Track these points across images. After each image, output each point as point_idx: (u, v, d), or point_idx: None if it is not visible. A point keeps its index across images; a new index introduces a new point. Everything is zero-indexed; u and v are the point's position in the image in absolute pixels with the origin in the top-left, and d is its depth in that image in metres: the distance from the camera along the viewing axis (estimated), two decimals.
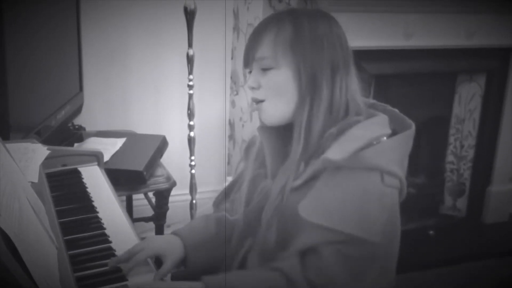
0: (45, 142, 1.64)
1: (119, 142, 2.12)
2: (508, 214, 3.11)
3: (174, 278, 1.22)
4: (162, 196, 2.09)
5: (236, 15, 2.68)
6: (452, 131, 2.99)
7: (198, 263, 1.22)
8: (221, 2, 2.61)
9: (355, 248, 1.01)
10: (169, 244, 1.22)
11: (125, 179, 1.89)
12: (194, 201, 2.42)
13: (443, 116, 2.97)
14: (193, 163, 2.37)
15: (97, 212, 1.35)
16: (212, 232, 1.27)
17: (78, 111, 2.30)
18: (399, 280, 1.16)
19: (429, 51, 2.63)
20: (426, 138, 2.94)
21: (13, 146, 1.42)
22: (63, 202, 1.38)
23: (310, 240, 1.02)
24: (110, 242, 1.21)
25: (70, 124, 2.31)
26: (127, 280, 1.08)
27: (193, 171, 2.38)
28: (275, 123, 1.17)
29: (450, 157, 3.03)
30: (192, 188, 2.40)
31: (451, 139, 3.01)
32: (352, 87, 1.15)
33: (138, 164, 1.95)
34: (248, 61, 1.18)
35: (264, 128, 1.22)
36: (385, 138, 1.09)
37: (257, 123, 1.24)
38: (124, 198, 2.41)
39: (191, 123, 2.32)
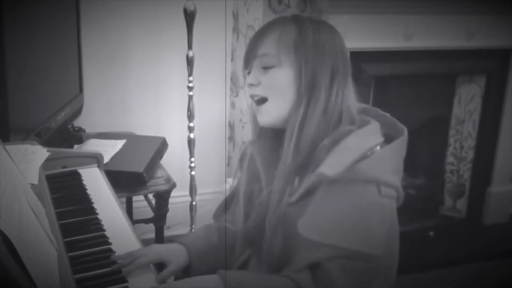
0: (45, 143, 1.64)
1: (119, 144, 2.12)
2: (508, 215, 3.11)
3: None
4: (162, 198, 2.09)
5: (236, 17, 2.68)
6: (452, 132, 2.99)
7: (202, 271, 1.21)
8: (220, 3, 2.61)
9: (359, 262, 1.01)
10: (174, 251, 1.23)
11: (125, 181, 1.89)
12: (194, 203, 2.42)
13: (443, 117, 2.97)
14: (193, 164, 2.37)
15: (97, 214, 1.35)
16: (214, 241, 1.28)
17: (78, 112, 2.30)
18: (399, 281, 1.16)
19: (429, 52, 2.63)
20: (426, 139, 2.95)
21: (13, 147, 1.42)
22: (63, 204, 1.38)
23: (313, 257, 1.01)
24: (110, 243, 1.21)
25: (70, 126, 2.31)
26: (127, 281, 1.08)
27: (193, 172, 2.38)
28: (271, 124, 1.18)
29: (450, 158, 3.03)
30: (192, 190, 2.40)
31: (451, 140, 3.01)
32: (349, 98, 1.15)
33: (138, 165, 1.95)
34: (249, 59, 1.19)
35: (256, 142, 1.23)
36: (378, 147, 1.08)
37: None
38: (124, 199, 2.41)
39: (191, 124, 2.32)
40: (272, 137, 1.22)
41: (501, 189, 3.05)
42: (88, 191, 1.48)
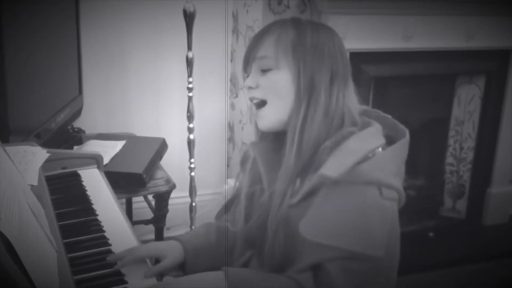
0: (44, 145, 1.64)
1: (119, 145, 2.12)
2: (508, 216, 3.11)
3: None
4: (162, 199, 2.09)
5: (235, 18, 2.68)
6: (451, 133, 2.99)
7: (197, 268, 1.21)
8: (220, 5, 2.61)
9: (360, 264, 1.01)
10: (169, 246, 1.23)
11: (124, 182, 1.89)
12: (193, 204, 2.42)
13: (442, 118, 2.97)
14: (192, 165, 2.37)
15: (97, 215, 1.35)
16: (213, 240, 1.28)
17: (77, 113, 2.31)
18: (399, 282, 1.16)
19: (428, 53, 2.63)
20: (425, 140, 2.95)
21: (12, 149, 1.42)
22: (63, 205, 1.38)
23: (314, 258, 1.02)
24: (110, 245, 1.21)
25: (69, 127, 2.31)
26: (126, 282, 1.08)
27: (192, 173, 2.38)
28: (271, 128, 1.17)
29: (449, 159, 3.03)
30: (192, 191, 2.40)
31: (451, 141, 3.01)
32: (350, 100, 1.15)
33: (137, 166, 1.95)
34: (248, 61, 1.19)
35: (257, 144, 1.23)
36: (380, 149, 1.08)
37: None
38: (123, 200, 2.41)
39: (191, 125, 2.32)
40: (273, 138, 1.22)
41: (500, 190, 3.05)
42: (88, 192, 1.48)
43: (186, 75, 2.26)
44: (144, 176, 1.92)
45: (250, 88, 1.17)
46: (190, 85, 2.26)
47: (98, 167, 1.65)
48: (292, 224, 1.05)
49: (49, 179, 1.46)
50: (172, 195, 2.11)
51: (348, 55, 1.19)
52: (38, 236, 0.97)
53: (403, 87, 2.77)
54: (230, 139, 2.88)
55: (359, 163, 1.03)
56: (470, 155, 3.00)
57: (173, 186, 2.06)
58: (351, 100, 1.15)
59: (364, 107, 1.23)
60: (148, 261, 1.18)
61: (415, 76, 2.74)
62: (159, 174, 2.08)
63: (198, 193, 2.43)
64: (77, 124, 2.38)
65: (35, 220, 1.01)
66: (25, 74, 1.72)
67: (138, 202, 2.48)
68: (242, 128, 2.70)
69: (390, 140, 1.12)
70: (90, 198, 1.45)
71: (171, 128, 2.66)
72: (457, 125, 2.98)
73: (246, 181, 1.25)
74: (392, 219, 1.07)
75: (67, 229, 1.25)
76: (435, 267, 2.62)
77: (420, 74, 2.73)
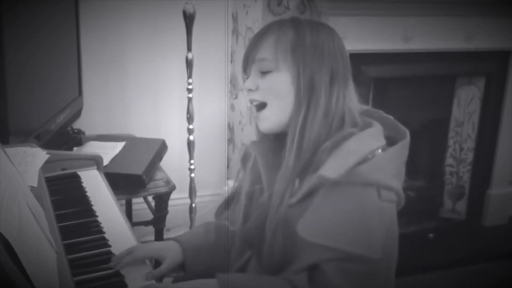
0: (44, 146, 1.64)
1: (119, 146, 2.12)
2: (507, 217, 3.11)
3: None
4: (162, 200, 2.09)
5: (235, 19, 2.68)
6: (451, 134, 3.00)
7: (197, 268, 1.22)
8: (219, 6, 2.61)
9: (357, 265, 1.01)
10: (168, 246, 1.24)
11: (124, 183, 1.89)
12: (193, 205, 2.42)
13: (442, 119, 2.97)
14: (192, 166, 2.37)
15: (97, 216, 1.35)
16: (212, 239, 1.28)
17: (77, 115, 2.31)
18: (398, 283, 1.16)
19: (428, 54, 2.63)
20: (425, 141, 2.95)
21: (12, 150, 1.42)
22: (63, 206, 1.38)
23: (312, 258, 1.02)
24: (110, 246, 1.21)
25: (69, 128, 2.31)
26: (126, 285, 1.08)
27: (192, 174, 2.38)
28: (272, 130, 1.17)
29: (449, 160, 3.03)
30: (192, 192, 2.40)
31: (450, 142, 3.01)
32: (351, 100, 1.15)
33: (137, 168, 1.95)
34: (247, 63, 1.18)
35: (257, 144, 1.23)
36: (380, 150, 1.08)
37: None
38: (123, 202, 2.41)
39: (191, 126, 2.32)
40: (273, 138, 1.22)
41: (500, 191, 3.05)
42: (88, 193, 1.48)
43: (186, 76, 2.26)
44: (144, 177, 1.92)
45: (250, 90, 1.16)
46: (190, 86, 2.26)
47: (98, 168, 1.64)
48: (291, 224, 1.05)
49: (49, 180, 1.45)
50: (172, 196, 2.11)
51: (348, 54, 1.19)
52: (38, 237, 0.97)
53: (402, 88, 2.77)
54: (230, 140, 2.88)
55: (358, 164, 1.03)
56: (470, 156, 3.00)
57: (173, 187, 2.06)
58: (351, 100, 1.15)
59: (366, 107, 1.22)
60: (148, 262, 1.18)
61: (414, 77, 2.74)
62: (159, 175, 2.07)
63: (198, 194, 2.43)
64: (77, 125, 2.38)
65: (35, 221, 1.01)
66: (25, 75, 1.72)
67: (138, 203, 2.48)
68: (242, 129, 2.70)
69: (390, 141, 1.11)
70: (90, 199, 1.45)
71: (171, 129, 2.66)
72: (456, 126, 2.98)
73: (247, 180, 1.25)
74: (391, 221, 1.07)
75: (67, 230, 1.25)
76: (435, 268, 2.62)
77: (420, 75, 2.73)
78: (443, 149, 3.02)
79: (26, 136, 1.71)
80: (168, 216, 2.16)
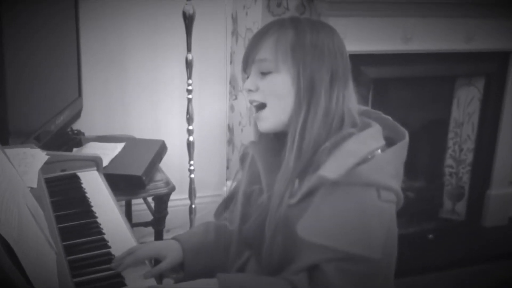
0: (44, 147, 1.64)
1: (118, 147, 2.12)
2: (507, 218, 3.11)
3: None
4: (161, 201, 2.09)
5: (234, 20, 2.68)
6: (451, 134, 3.00)
7: (196, 267, 1.22)
8: (219, 6, 2.61)
9: (357, 265, 1.01)
10: (168, 246, 1.24)
11: (124, 184, 1.89)
12: (193, 206, 2.42)
13: (441, 119, 2.98)
14: (192, 167, 2.37)
15: (96, 217, 1.35)
16: (212, 238, 1.28)
17: (77, 116, 2.31)
18: (398, 284, 1.16)
19: (427, 55, 2.63)
20: (425, 142, 2.95)
21: (12, 151, 1.42)
22: (62, 207, 1.38)
23: (311, 259, 1.02)
24: (109, 247, 1.21)
25: (69, 129, 2.31)
26: (126, 285, 1.08)
27: (192, 175, 2.38)
28: (271, 130, 1.17)
29: (449, 161, 3.03)
30: (191, 193, 2.40)
31: (450, 143, 3.01)
32: (350, 99, 1.14)
33: (137, 169, 1.95)
34: (247, 64, 1.18)
35: (256, 144, 1.22)
36: (379, 151, 1.08)
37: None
38: (123, 203, 2.41)
39: (190, 127, 2.32)
40: (273, 138, 1.22)
41: (500, 192, 3.05)
42: (87, 195, 1.48)
43: (185, 76, 2.26)
44: (144, 178, 1.92)
45: (249, 91, 1.16)
46: (190, 87, 2.26)
47: (98, 169, 1.64)
48: (290, 224, 1.05)
49: (48, 181, 1.45)
50: (172, 197, 2.11)
51: (347, 54, 1.18)
52: (38, 238, 0.97)
53: (402, 89, 2.77)
54: (230, 141, 2.88)
55: (358, 164, 1.03)
56: (469, 157, 3.00)
57: (173, 188, 2.06)
58: (351, 101, 1.15)
59: (365, 107, 1.22)
60: (147, 262, 1.18)
61: (414, 78, 2.74)
62: (158, 176, 2.08)
63: (197, 195, 2.43)
64: (77, 126, 2.38)
65: (35, 223, 1.01)
66: (24, 75, 1.72)
67: (138, 204, 2.48)
68: (242, 130, 2.70)
69: (389, 142, 1.11)
70: (90, 200, 1.45)
71: (170, 130, 2.66)
72: (456, 127, 2.98)
73: (245, 180, 1.25)
74: (390, 221, 1.07)
75: (66, 231, 1.25)
76: (434, 269, 2.62)
77: (420, 76, 2.73)
78: (443, 150, 3.02)
79: (26, 137, 1.71)
80: (168, 217, 2.16)
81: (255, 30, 2.42)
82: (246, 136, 2.63)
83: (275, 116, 1.15)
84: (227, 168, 2.91)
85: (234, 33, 2.70)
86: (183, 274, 1.23)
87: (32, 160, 1.44)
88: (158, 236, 2.17)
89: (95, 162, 1.65)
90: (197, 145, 2.38)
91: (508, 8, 2.63)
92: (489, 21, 2.66)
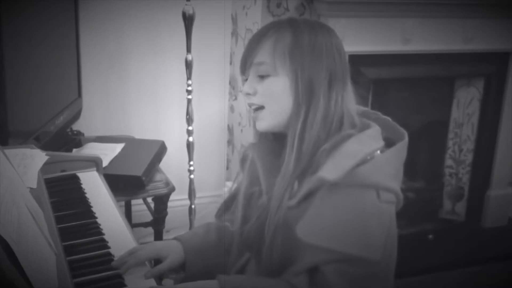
0: (43, 147, 1.64)
1: (118, 148, 2.12)
2: (507, 218, 3.11)
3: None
4: (161, 201, 2.09)
5: (234, 20, 2.68)
6: (450, 135, 3.00)
7: (197, 268, 1.22)
8: (219, 7, 2.61)
9: (356, 267, 1.01)
10: (169, 246, 1.24)
11: (124, 185, 1.89)
12: (193, 206, 2.42)
13: (441, 120, 2.98)
14: (192, 168, 2.37)
15: (96, 218, 1.35)
16: (213, 239, 1.28)
17: (76, 116, 2.30)
18: (398, 285, 1.16)
19: (427, 56, 2.64)
20: (424, 143, 2.95)
21: (11, 151, 1.42)
22: (62, 208, 1.38)
23: (311, 260, 1.02)
24: (109, 247, 1.21)
25: (68, 130, 2.31)
26: (126, 286, 1.08)
27: (192, 176, 2.38)
28: (269, 129, 1.17)
29: (448, 161, 3.03)
30: (191, 193, 2.40)
31: (450, 143, 3.01)
32: (349, 100, 1.14)
33: (137, 169, 1.95)
34: (245, 67, 1.18)
35: (255, 145, 1.22)
36: (378, 152, 1.08)
37: None
38: (123, 203, 2.41)
39: (190, 128, 2.32)
40: (272, 139, 1.22)
41: (500, 192, 3.05)
42: (87, 195, 1.48)
43: (185, 77, 2.26)
44: (143, 178, 1.92)
45: (248, 94, 1.16)
46: (189, 88, 2.27)
47: (97, 170, 1.64)
48: (290, 226, 1.05)
49: (48, 182, 1.45)
50: (171, 197, 2.11)
51: (346, 54, 1.18)
52: (37, 239, 0.97)
53: (402, 90, 2.77)
54: (229, 142, 2.88)
55: (357, 166, 1.03)
56: (469, 158, 3.00)
57: (172, 189, 2.06)
58: (350, 101, 1.15)
59: (364, 108, 1.22)
60: (147, 262, 1.18)
61: (414, 79, 2.74)
62: (158, 176, 2.08)
63: (197, 195, 2.44)
64: (76, 126, 2.38)
65: (34, 223, 1.01)
66: (24, 76, 1.72)
67: (138, 204, 2.48)
68: (242, 131, 2.70)
69: (389, 143, 1.11)
70: (89, 200, 1.45)
71: (170, 130, 2.66)
72: (456, 127, 2.98)
73: (245, 181, 1.25)
74: (390, 222, 1.07)
75: (66, 232, 1.25)
76: (434, 270, 2.62)
77: (419, 76, 2.73)
78: (443, 151, 3.02)
79: (26, 138, 1.71)
80: (168, 218, 2.16)
81: (255, 31, 2.42)
82: (246, 136, 2.63)
83: (273, 117, 1.14)
84: (227, 168, 2.91)
85: (234, 33, 2.70)
86: (184, 274, 1.24)
87: (31, 161, 1.44)
88: (158, 236, 2.17)
89: (94, 162, 1.65)
90: (197, 146, 2.38)
91: (507, 8, 2.63)
92: (489, 21, 2.66)
